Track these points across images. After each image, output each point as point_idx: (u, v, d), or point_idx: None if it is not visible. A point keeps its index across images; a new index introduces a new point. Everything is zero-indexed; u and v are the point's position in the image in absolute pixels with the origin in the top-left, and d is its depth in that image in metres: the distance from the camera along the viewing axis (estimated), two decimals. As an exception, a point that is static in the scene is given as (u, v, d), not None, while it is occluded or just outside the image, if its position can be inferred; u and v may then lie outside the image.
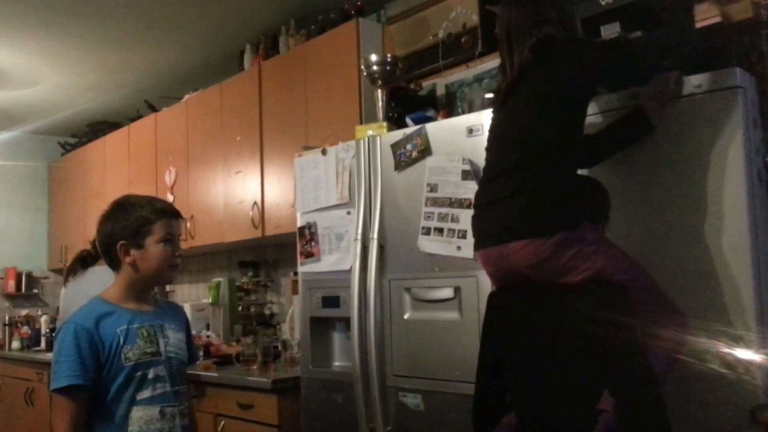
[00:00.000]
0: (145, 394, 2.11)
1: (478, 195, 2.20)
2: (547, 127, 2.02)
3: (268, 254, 4.83)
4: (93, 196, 5.98)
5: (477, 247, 2.18)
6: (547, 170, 2.01)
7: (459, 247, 2.55)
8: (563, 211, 1.98)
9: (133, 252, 2.15)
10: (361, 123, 3.45)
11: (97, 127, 6.33)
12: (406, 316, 2.74)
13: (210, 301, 4.66)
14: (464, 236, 2.52)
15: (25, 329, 6.13)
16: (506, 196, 2.04)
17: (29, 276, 6.70)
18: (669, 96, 2.13)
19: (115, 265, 2.19)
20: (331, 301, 3.00)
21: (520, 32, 2.12)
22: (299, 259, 3.17)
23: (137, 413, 2.10)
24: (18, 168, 6.79)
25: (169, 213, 2.22)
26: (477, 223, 2.18)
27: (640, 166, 2.21)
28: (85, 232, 5.69)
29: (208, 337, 4.42)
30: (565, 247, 1.93)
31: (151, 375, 2.12)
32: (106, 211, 2.22)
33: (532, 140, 2.04)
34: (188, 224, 4.79)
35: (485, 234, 2.13)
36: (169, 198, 5.02)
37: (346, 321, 2.94)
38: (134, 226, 2.15)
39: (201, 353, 4.14)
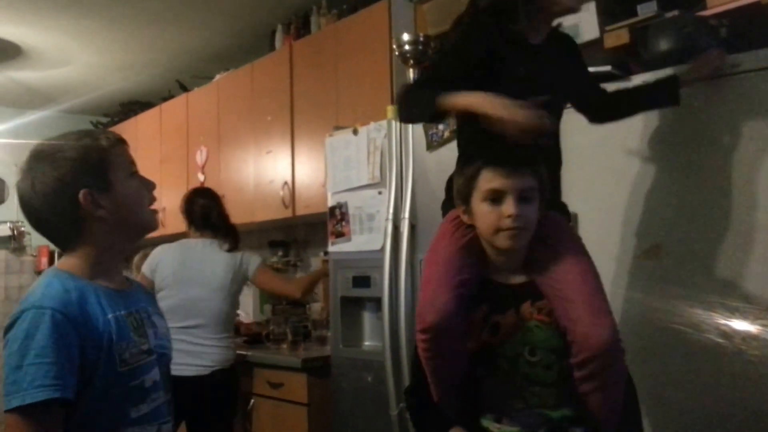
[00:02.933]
0: (142, 409, 1.50)
1: None
2: None
3: (298, 234, 4.84)
4: (125, 175, 6.02)
5: None
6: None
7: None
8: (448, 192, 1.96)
9: (101, 201, 1.50)
10: (392, 103, 3.43)
11: (129, 107, 6.37)
12: (437, 297, 2.72)
13: (240, 280, 4.68)
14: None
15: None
16: None
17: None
18: (709, 74, 2.08)
19: (69, 233, 1.54)
20: (362, 281, 3.01)
21: None
22: (330, 239, 3.17)
23: None
24: (52, 147, 6.84)
25: (119, 138, 1.60)
26: None
27: (684, 145, 2.16)
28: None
29: (238, 315, 4.46)
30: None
31: (147, 383, 1.52)
32: (28, 165, 1.54)
33: None
34: (219, 204, 4.81)
35: None
36: (200, 177, 5.05)
37: (377, 301, 2.94)
38: (91, 163, 1.50)
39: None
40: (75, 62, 5.48)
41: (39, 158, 1.52)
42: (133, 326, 1.51)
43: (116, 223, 1.53)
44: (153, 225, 1.63)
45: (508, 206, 1.67)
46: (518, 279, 1.77)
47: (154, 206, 1.64)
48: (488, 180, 1.70)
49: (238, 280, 3.52)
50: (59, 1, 4.32)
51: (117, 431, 1.46)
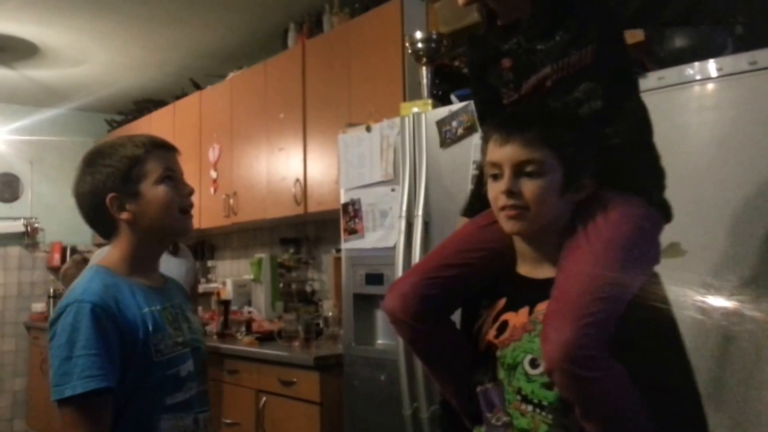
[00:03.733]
0: (177, 397, 1.61)
1: None
2: None
3: (309, 231, 4.85)
4: (138, 172, 6.05)
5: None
6: None
7: (504, 226, 2.52)
8: None
9: (128, 205, 1.64)
10: (404, 101, 3.43)
11: (142, 105, 6.40)
12: (449, 294, 2.72)
13: (252, 277, 4.70)
14: (510, 215, 2.50)
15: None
16: None
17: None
18: None
19: (109, 230, 1.68)
20: (375, 278, 3.00)
21: None
22: (343, 236, 3.17)
23: (168, 423, 1.59)
24: (65, 144, 6.89)
25: (161, 144, 1.71)
26: None
27: (703, 142, 2.15)
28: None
29: (249, 312, 4.47)
30: None
31: (182, 372, 1.63)
32: (79, 167, 1.70)
33: None
34: (231, 200, 4.83)
35: None
36: (213, 174, 5.06)
37: (390, 299, 2.94)
38: (122, 170, 1.63)
39: (243, 329, 4.19)
40: (90, 61, 5.50)
41: (85, 161, 1.69)
42: (168, 320, 1.63)
43: (144, 227, 1.65)
44: (182, 230, 1.72)
45: (503, 181, 1.43)
46: (544, 273, 1.47)
47: (187, 204, 1.72)
48: (490, 152, 1.48)
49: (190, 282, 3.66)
50: (76, 1, 4.35)
51: (153, 417, 1.57)
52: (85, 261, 4.71)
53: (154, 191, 1.64)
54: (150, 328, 1.56)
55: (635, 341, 1.33)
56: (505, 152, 1.43)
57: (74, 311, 1.50)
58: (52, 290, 6.38)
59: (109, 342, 1.49)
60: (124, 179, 1.63)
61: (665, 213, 1.52)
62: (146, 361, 1.55)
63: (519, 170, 1.42)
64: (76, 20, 4.67)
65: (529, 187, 1.41)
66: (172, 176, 1.67)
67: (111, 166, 1.63)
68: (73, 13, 4.55)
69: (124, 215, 1.63)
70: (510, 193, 1.42)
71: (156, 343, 1.57)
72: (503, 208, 1.44)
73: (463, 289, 1.58)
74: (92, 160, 1.67)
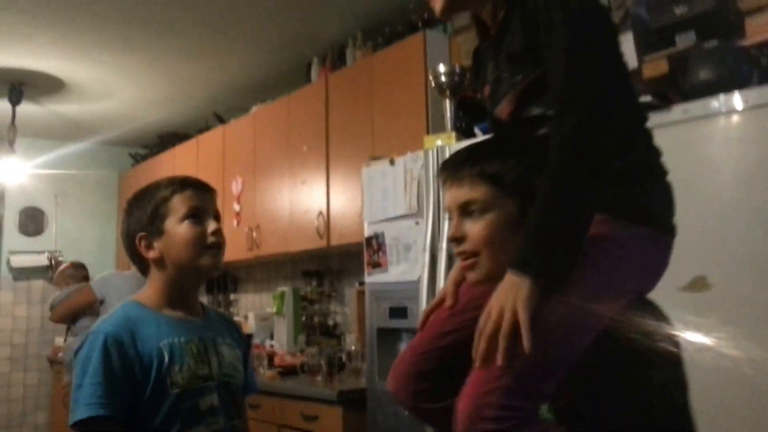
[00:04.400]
0: (198, 430, 1.63)
1: None
2: None
3: (332, 264, 4.84)
4: (162, 205, 6.08)
5: (674, 230, 1.47)
6: None
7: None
8: None
9: (156, 243, 1.70)
10: (428, 134, 3.44)
11: (166, 139, 6.46)
12: (476, 329, 2.69)
13: (274, 310, 4.69)
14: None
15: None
16: None
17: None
18: None
19: (144, 268, 1.76)
20: (399, 312, 2.99)
21: None
22: (366, 269, 3.16)
23: None
24: (90, 177, 6.97)
25: (190, 184, 1.75)
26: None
27: (730, 175, 2.12)
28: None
29: (272, 346, 4.45)
30: None
31: (203, 406, 1.65)
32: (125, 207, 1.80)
33: None
34: (254, 233, 4.84)
35: None
36: (236, 207, 5.09)
37: (414, 332, 2.89)
38: (149, 210, 1.71)
39: (265, 363, 4.17)
40: (115, 95, 5.58)
41: (131, 198, 1.79)
42: (191, 352, 1.67)
43: (172, 263, 1.71)
44: (206, 266, 1.73)
45: (451, 227, 1.38)
46: None
47: (210, 241, 1.74)
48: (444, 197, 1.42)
49: None
50: (102, 37, 4.42)
51: None
52: (83, 267, 4.69)
53: (177, 229, 1.69)
54: (166, 360, 1.61)
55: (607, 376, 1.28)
56: (449, 196, 1.38)
57: (90, 342, 1.60)
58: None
59: (115, 372, 1.56)
60: (151, 219, 1.71)
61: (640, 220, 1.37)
62: (160, 392, 1.59)
63: (464, 212, 1.36)
64: (102, 56, 4.74)
65: (473, 228, 1.35)
66: (198, 214, 1.71)
67: (141, 208, 1.72)
68: (99, 49, 4.63)
69: (152, 253, 1.70)
70: (455, 238, 1.37)
71: (172, 374, 1.61)
72: (458, 257, 1.38)
73: (462, 356, 1.37)
74: (129, 203, 1.78)
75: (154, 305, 1.71)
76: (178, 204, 1.70)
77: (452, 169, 1.39)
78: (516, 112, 1.47)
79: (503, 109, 1.50)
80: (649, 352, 1.33)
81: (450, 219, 1.40)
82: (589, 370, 1.29)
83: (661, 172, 1.45)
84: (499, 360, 1.19)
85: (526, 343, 1.17)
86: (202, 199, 1.74)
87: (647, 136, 1.47)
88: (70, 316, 3.98)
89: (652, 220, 1.39)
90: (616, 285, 1.33)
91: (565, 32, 1.34)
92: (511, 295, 1.22)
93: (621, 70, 1.47)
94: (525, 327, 1.19)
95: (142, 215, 1.71)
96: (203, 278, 1.81)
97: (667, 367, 1.35)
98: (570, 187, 1.27)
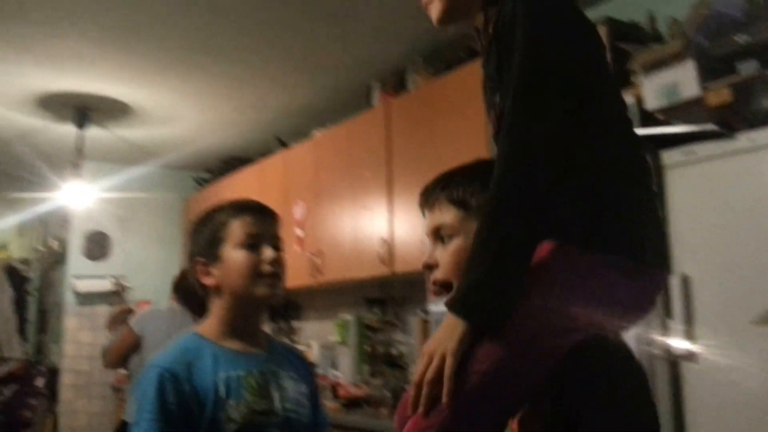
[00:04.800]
0: None
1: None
2: None
3: (395, 291, 4.74)
4: (224, 230, 6.09)
5: (662, 263, 1.31)
6: None
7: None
8: None
9: (213, 270, 1.66)
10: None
11: (229, 163, 6.48)
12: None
13: (337, 339, 4.60)
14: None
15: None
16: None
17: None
18: None
19: (205, 296, 1.72)
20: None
21: None
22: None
23: None
24: (154, 202, 7.01)
25: (249, 208, 1.69)
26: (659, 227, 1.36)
27: None
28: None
29: (335, 377, 4.36)
30: None
31: None
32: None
33: None
34: (317, 259, 4.77)
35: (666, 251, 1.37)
36: (298, 233, 5.03)
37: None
38: (207, 235, 1.67)
39: (329, 394, 4.08)
40: (180, 120, 5.62)
41: (194, 222, 1.76)
42: (250, 386, 1.58)
43: (229, 291, 1.65)
44: (261, 297, 1.65)
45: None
46: None
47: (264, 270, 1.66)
48: None
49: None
50: (167, 63, 4.45)
51: None
52: (130, 311, 4.71)
53: (232, 255, 1.63)
54: (222, 395, 1.54)
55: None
56: (425, 222, 1.37)
57: (146, 376, 1.55)
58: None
59: (170, 407, 1.49)
60: (208, 244, 1.66)
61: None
62: (216, 426, 1.52)
63: (437, 238, 1.34)
64: (168, 81, 4.77)
65: (443, 255, 1.31)
66: (255, 241, 1.65)
67: (200, 232, 1.69)
68: (164, 74, 4.66)
69: (209, 280, 1.65)
70: (427, 265, 1.34)
71: (228, 410, 1.54)
72: (432, 285, 1.34)
73: None
74: (191, 227, 1.76)
75: (213, 336, 1.64)
76: (236, 229, 1.65)
77: (425, 195, 1.39)
78: (497, 135, 1.34)
79: (491, 130, 1.41)
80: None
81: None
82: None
83: (644, 198, 1.29)
84: (420, 408, 1.15)
85: (444, 397, 1.12)
86: (260, 225, 1.67)
87: (634, 159, 1.32)
88: (120, 360, 3.99)
89: (622, 250, 1.23)
90: (564, 319, 1.18)
91: (520, 62, 1.23)
92: (444, 338, 1.16)
93: (603, 85, 1.33)
94: (447, 378, 1.13)
95: (200, 240, 1.68)
96: (261, 308, 1.73)
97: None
98: (498, 225, 1.18)
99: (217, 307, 1.67)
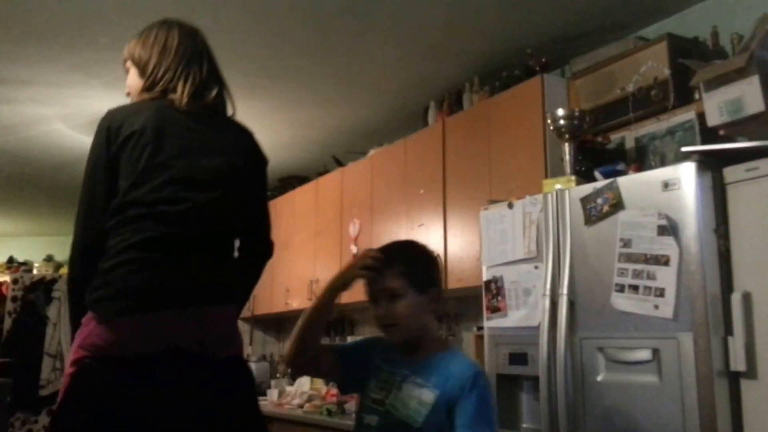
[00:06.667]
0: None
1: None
2: None
3: (450, 307, 4.82)
4: (281, 246, 6.19)
5: (161, 305, 1.84)
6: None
7: (656, 306, 2.43)
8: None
9: None
10: (546, 177, 3.41)
11: (287, 181, 6.63)
12: (599, 378, 2.62)
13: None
14: (662, 294, 2.41)
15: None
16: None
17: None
18: None
19: None
20: (519, 358, 2.94)
21: None
22: (485, 314, 3.13)
23: None
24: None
25: (367, 266, 1.98)
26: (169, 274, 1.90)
27: None
28: (272, 282, 5.96)
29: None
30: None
31: (365, 420, 1.98)
32: None
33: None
34: (372, 276, 4.87)
35: (181, 290, 1.88)
36: (353, 249, 5.16)
37: (534, 379, 2.86)
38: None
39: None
40: (240, 140, 5.78)
41: None
42: (379, 378, 2.00)
43: None
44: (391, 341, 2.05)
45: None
46: None
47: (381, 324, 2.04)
48: None
49: None
50: (232, 87, 4.59)
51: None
52: None
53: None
54: (369, 376, 2.03)
55: None
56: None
57: None
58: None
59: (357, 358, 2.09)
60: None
61: None
62: (363, 386, 2.04)
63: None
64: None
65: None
66: (374, 297, 1.99)
67: None
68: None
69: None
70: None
71: (367, 390, 2.01)
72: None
73: None
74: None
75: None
76: (365, 286, 2.02)
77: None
78: None
79: None
80: None
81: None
82: None
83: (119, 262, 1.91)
84: None
85: None
86: (373, 280, 1.97)
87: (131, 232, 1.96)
88: None
89: (94, 307, 1.86)
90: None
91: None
92: None
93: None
94: None
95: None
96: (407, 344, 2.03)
97: None
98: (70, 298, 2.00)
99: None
